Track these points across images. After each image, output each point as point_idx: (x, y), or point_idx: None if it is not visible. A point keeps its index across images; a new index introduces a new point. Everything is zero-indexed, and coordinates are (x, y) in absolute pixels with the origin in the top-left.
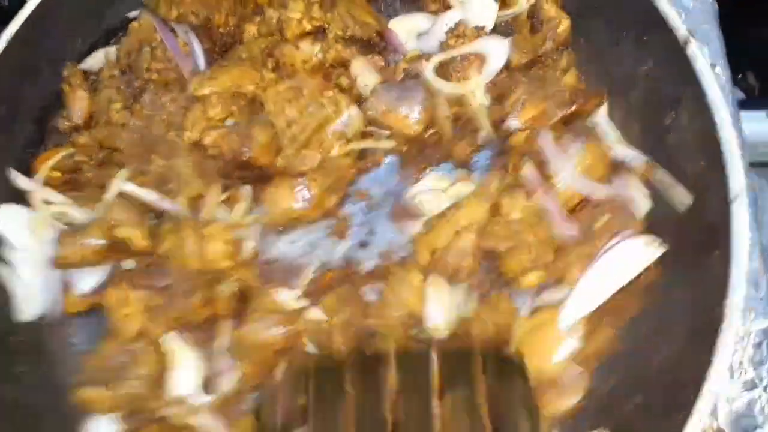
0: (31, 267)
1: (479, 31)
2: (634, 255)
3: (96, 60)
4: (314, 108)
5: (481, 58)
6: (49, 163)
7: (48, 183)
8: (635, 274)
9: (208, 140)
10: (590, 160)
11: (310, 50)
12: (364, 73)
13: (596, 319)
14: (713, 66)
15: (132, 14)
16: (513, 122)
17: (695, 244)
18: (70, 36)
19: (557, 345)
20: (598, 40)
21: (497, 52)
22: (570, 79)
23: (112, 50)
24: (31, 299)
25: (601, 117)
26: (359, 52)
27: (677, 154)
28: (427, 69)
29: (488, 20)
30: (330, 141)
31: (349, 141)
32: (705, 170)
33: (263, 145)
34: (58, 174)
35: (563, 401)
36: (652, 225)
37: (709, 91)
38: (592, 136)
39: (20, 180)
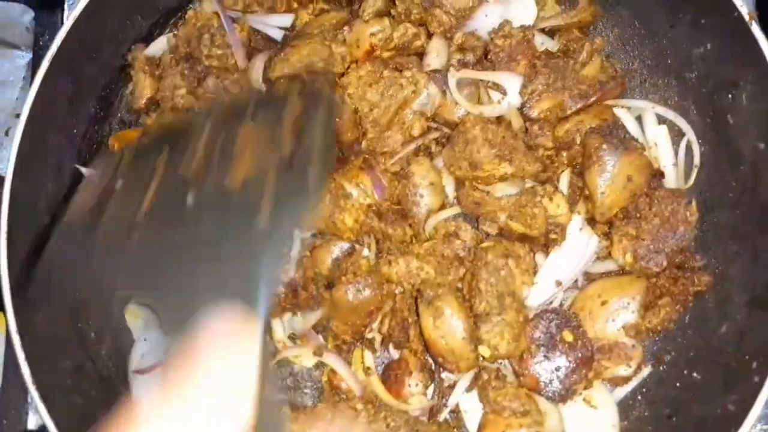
0: None
1: (525, 30)
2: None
3: (158, 46)
4: (394, 90)
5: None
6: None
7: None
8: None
9: None
10: (630, 171)
11: (383, 30)
12: (440, 52)
13: (654, 296)
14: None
15: None
16: (529, 112)
17: (752, 222)
18: (130, 16)
19: (613, 314)
20: (653, 22)
21: (513, 88)
22: (591, 70)
23: (173, 37)
24: None
25: (650, 126)
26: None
27: (736, 135)
28: (450, 82)
29: (530, 18)
30: (411, 121)
31: (428, 118)
32: (764, 151)
33: (348, 121)
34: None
35: (617, 368)
36: (708, 204)
37: None
38: (631, 147)
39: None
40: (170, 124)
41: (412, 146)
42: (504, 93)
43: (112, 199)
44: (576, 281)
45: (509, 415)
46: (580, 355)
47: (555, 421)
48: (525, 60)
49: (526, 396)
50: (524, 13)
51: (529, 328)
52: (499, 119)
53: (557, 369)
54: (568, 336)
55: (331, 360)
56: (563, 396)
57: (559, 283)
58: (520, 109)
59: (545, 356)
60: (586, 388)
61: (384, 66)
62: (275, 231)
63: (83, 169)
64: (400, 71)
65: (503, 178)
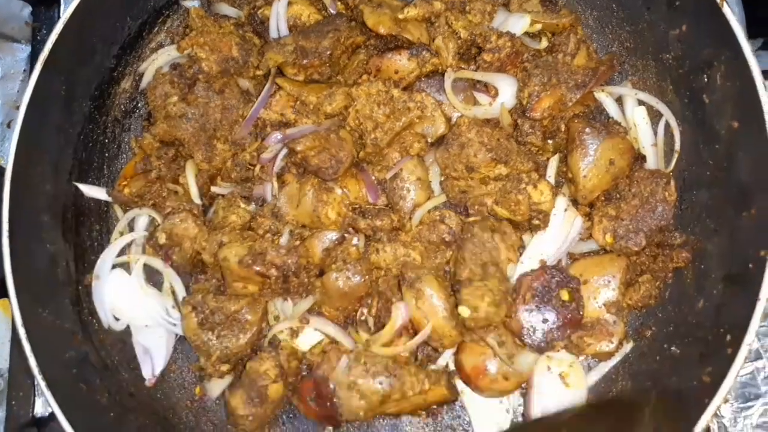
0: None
1: (514, 41)
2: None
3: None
4: (401, 113)
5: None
6: (130, 184)
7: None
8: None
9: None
10: (612, 155)
11: (407, 65)
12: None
13: (635, 273)
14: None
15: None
16: (532, 114)
17: (728, 200)
18: (120, 15)
19: (594, 292)
20: (630, 5)
21: (507, 90)
22: (580, 60)
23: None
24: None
25: (630, 107)
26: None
27: (711, 115)
28: (446, 83)
29: (519, 28)
30: (410, 141)
31: (428, 142)
32: (738, 129)
33: (350, 143)
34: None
35: (599, 344)
36: (687, 183)
37: (747, 50)
38: (614, 131)
39: (93, 191)
40: None
41: (406, 160)
42: (493, 96)
43: None
44: (560, 261)
45: (485, 344)
46: (570, 315)
47: (528, 360)
48: (514, 69)
49: (504, 329)
50: (517, 25)
51: (531, 278)
52: (490, 119)
53: (544, 321)
54: (565, 295)
55: (318, 323)
56: (541, 348)
57: (543, 263)
58: (521, 113)
59: (537, 306)
60: (566, 349)
61: (395, 85)
62: None
63: (82, 187)
64: (410, 93)
65: (498, 179)
